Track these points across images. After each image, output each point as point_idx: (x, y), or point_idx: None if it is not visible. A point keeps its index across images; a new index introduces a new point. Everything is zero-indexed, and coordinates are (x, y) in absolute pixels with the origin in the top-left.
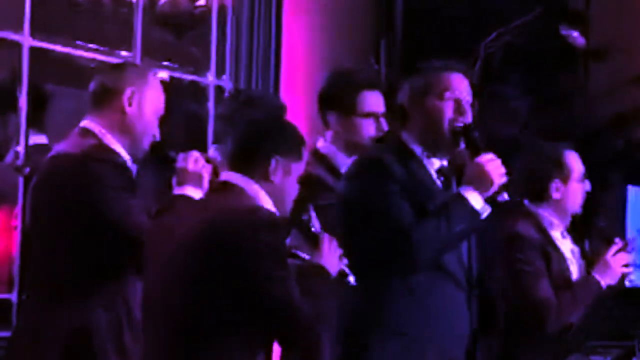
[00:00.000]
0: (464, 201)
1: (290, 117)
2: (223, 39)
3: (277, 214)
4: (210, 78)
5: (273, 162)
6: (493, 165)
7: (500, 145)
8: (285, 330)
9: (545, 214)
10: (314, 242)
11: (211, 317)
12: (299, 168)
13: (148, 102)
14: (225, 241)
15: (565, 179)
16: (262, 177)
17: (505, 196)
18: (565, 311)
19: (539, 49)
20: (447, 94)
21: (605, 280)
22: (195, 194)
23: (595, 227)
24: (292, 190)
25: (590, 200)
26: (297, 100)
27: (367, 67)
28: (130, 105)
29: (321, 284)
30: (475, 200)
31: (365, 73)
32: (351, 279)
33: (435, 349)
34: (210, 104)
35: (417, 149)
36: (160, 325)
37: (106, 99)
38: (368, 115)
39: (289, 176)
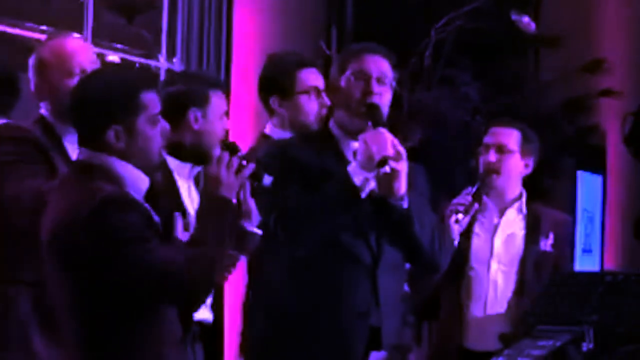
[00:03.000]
0: (343, 178)
1: (241, 101)
2: (174, 22)
3: (129, 185)
4: (161, 61)
5: (112, 134)
6: (376, 139)
7: (451, 130)
8: (164, 298)
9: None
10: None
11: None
12: (153, 109)
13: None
14: (72, 239)
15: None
16: (110, 148)
17: (387, 169)
18: None
19: (490, 35)
20: (356, 75)
21: None
22: None
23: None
24: (154, 140)
25: (540, 185)
26: (249, 84)
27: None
28: None
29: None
30: (357, 175)
31: (298, 53)
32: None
33: (326, 327)
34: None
35: (337, 132)
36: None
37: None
38: (306, 92)
39: (141, 132)
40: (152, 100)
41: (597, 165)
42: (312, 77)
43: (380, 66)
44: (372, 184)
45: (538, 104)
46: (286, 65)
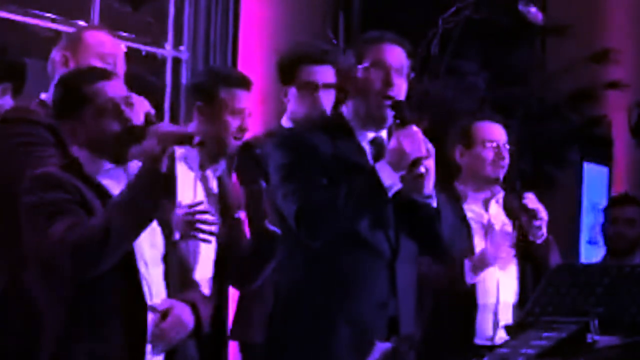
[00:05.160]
0: (372, 176)
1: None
2: (181, 10)
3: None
4: (167, 49)
5: (66, 127)
6: (410, 138)
7: (458, 119)
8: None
9: (460, 186)
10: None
11: None
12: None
13: (85, 60)
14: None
15: (468, 144)
16: (71, 139)
17: (422, 170)
18: None
19: (497, 24)
20: (376, 66)
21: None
22: None
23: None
24: (107, 127)
25: (545, 176)
26: (255, 71)
27: (320, 41)
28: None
29: None
30: (387, 175)
31: (310, 46)
32: None
33: (346, 318)
34: (168, 76)
35: (352, 122)
36: None
37: (51, 69)
38: (306, 86)
39: (90, 124)
40: (98, 90)
41: (603, 157)
42: (314, 73)
43: (399, 57)
44: (399, 185)
45: (544, 94)
46: (292, 57)
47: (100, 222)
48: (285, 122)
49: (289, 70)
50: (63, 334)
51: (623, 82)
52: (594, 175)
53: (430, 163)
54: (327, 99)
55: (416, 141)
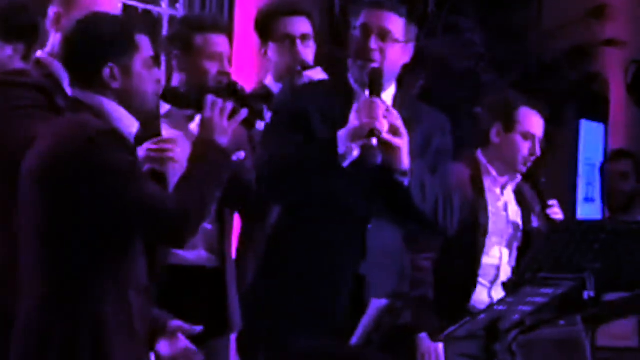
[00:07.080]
0: (329, 144)
1: (244, 46)
2: None
3: (120, 122)
4: (163, 7)
5: (107, 71)
6: (368, 109)
7: (454, 76)
8: (151, 233)
9: (485, 160)
10: (197, 108)
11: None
12: (146, 51)
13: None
14: (62, 170)
15: (508, 127)
16: (104, 86)
17: (374, 141)
18: None
19: None
20: (359, 30)
21: None
22: None
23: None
24: (149, 83)
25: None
26: (252, 29)
27: None
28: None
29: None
30: (342, 143)
31: (290, 2)
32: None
33: (317, 280)
34: (164, 34)
35: (354, 85)
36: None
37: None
38: (283, 38)
39: (137, 73)
40: (145, 42)
41: (599, 114)
42: (288, 25)
43: (382, 21)
44: (356, 153)
45: (541, 51)
46: (268, 10)
47: (187, 191)
48: (269, 81)
49: (265, 26)
50: (89, 296)
51: (620, 40)
52: (590, 132)
53: (399, 140)
54: (307, 50)
55: (374, 112)
